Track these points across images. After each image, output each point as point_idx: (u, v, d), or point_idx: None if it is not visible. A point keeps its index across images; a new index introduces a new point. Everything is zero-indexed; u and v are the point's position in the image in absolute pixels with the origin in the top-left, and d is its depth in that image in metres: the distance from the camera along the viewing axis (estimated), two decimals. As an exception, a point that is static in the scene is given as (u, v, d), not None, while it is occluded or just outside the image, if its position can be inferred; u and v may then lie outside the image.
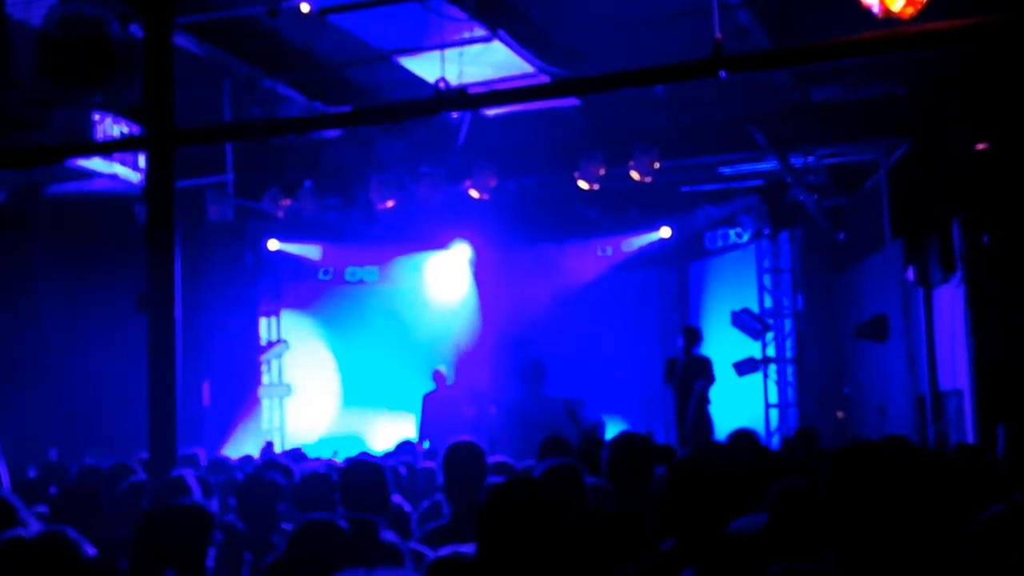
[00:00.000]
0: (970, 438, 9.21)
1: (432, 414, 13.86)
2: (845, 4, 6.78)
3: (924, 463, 2.48)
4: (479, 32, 9.52)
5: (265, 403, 15.87)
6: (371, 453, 9.76)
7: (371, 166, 13.25)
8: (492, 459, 5.90)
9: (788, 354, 14.72)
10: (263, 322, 16.06)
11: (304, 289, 16.56)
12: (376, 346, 16.38)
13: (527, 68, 10.38)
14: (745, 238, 15.21)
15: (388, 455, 9.07)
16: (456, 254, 16.97)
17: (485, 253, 16.92)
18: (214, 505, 5.53)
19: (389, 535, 4.21)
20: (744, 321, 14.45)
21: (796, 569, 2.79)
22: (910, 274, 10.78)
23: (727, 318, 14.64)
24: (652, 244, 16.32)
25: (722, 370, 13.12)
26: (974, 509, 3.35)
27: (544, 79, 10.48)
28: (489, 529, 2.93)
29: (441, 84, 8.22)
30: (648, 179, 12.20)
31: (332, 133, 12.69)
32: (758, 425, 13.76)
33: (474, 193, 12.82)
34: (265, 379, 15.92)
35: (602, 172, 12.21)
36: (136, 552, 3.87)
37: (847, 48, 6.77)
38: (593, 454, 6.05)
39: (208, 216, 12.85)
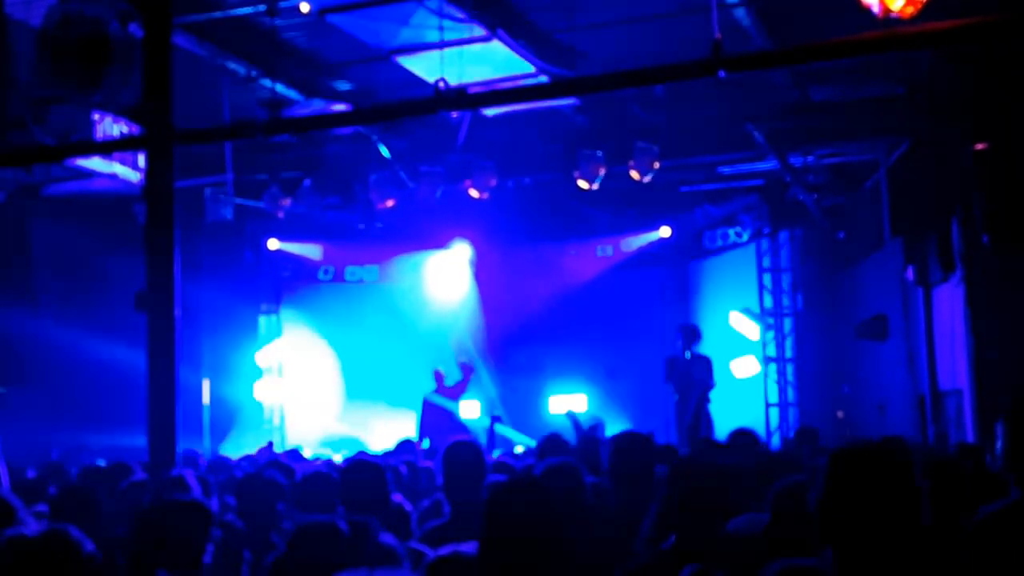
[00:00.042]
0: (970, 437, 9.21)
1: (432, 414, 13.87)
2: (844, 3, 6.78)
3: (924, 462, 2.48)
4: (478, 32, 9.52)
5: (265, 403, 15.87)
6: (369, 452, 9.77)
7: (371, 165, 13.26)
8: (491, 458, 5.91)
9: (788, 353, 14.73)
10: (263, 321, 16.06)
11: (304, 288, 16.57)
12: (376, 345, 16.38)
13: (527, 68, 10.38)
14: (745, 237, 15.21)
15: (388, 454, 9.06)
16: (456, 253, 16.97)
17: (485, 252, 16.92)
18: (214, 504, 5.54)
19: (387, 537, 4.21)
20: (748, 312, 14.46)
21: (794, 567, 2.79)
22: (910, 273, 10.78)
23: (727, 317, 14.64)
24: (652, 243, 16.33)
25: (722, 370, 13.14)
26: (973, 508, 3.35)
27: (544, 79, 10.48)
28: (491, 527, 2.93)
29: (441, 84, 8.20)
30: (648, 179, 12.21)
31: (332, 132, 12.69)
32: (758, 424, 13.76)
33: (474, 192, 12.82)
34: (265, 378, 15.92)
35: (602, 171, 12.22)
36: (134, 547, 3.87)
37: (847, 48, 6.77)
38: (592, 453, 6.05)
39: (208, 215, 12.86)
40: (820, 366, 14.28)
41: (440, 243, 16.74)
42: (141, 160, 9.81)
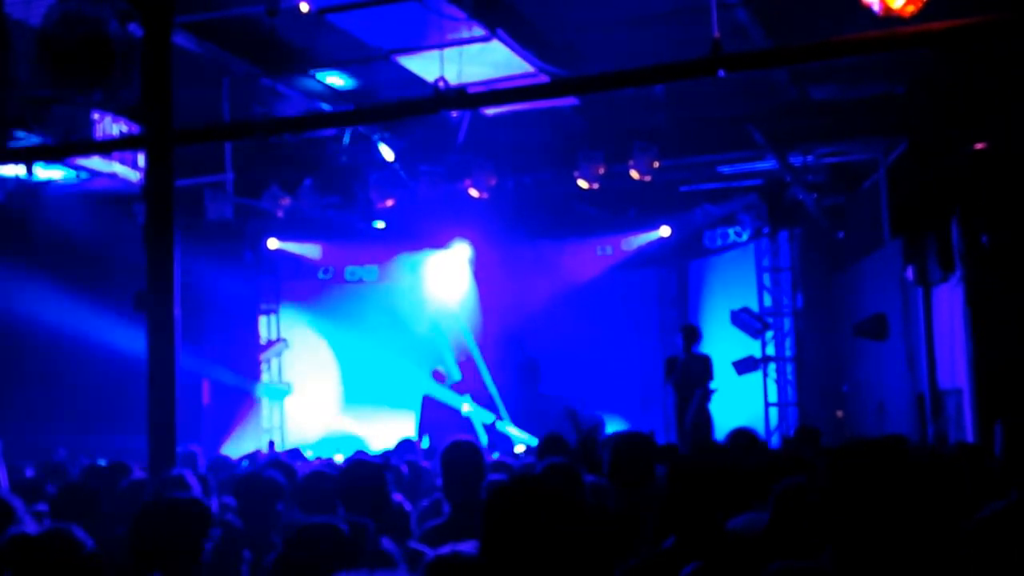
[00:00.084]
0: (969, 437, 9.21)
1: (431, 413, 13.88)
2: (844, 3, 6.78)
3: (923, 461, 2.49)
4: (478, 31, 9.52)
5: (265, 402, 15.87)
6: (368, 452, 9.77)
7: (371, 165, 13.26)
8: (490, 457, 5.91)
9: (788, 353, 14.74)
10: (263, 321, 16.07)
11: (304, 288, 16.57)
12: (376, 345, 16.39)
13: (526, 67, 10.38)
14: (744, 237, 15.21)
15: (388, 453, 9.06)
16: (455, 253, 16.98)
17: (484, 252, 16.92)
18: (213, 504, 5.53)
19: (385, 541, 4.21)
20: (744, 320, 14.47)
21: (795, 567, 2.79)
22: (909, 273, 10.78)
23: (727, 317, 14.65)
24: (652, 243, 16.33)
25: (722, 369, 13.14)
26: (973, 507, 3.35)
27: (543, 78, 10.48)
28: (491, 527, 2.93)
29: (440, 83, 8.21)
30: (647, 178, 12.21)
31: (331, 132, 12.69)
32: (758, 424, 13.77)
33: (474, 192, 12.82)
34: (265, 378, 15.92)
35: (601, 171, 12.22)
36: (132, 545, 3.87)
37: (846, 47, 6.76)
38: (590, 453, 6.06)
39: (207, 215, 12.85)
40: (820, 365, 14.29)
41: (440, 243, 16.75)
42: (141, 159, 9.81)
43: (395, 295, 17.00)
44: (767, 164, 13.21)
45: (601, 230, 16.44)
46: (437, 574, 2.98)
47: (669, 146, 12.15)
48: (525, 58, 10.15)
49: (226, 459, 9.21)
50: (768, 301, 14.91)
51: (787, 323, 14.76)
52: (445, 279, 17.20)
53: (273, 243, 15.86)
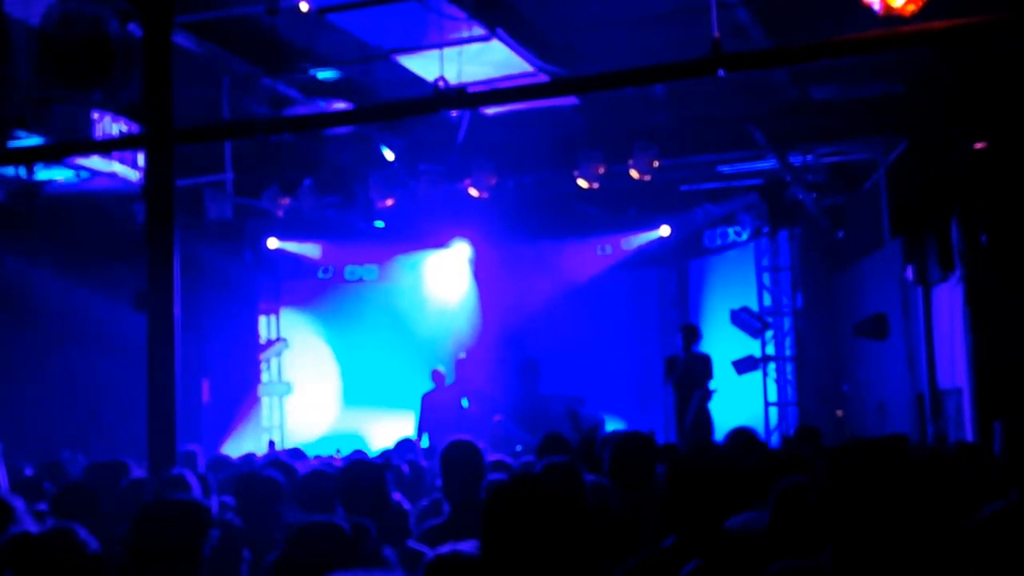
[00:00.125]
0: (969, 436, 9.22)
1: (431, 413, 13.88)
2: (843, 2, 6.78)
3: (923, 461, 2.49)
4: (478, 31, 9.52)
5: (265, 401, 15.88)
6: (367, 451, 9.78)
7: (371, 164, 13.26)
8: (490, 457, 5.91)
9: (787, 352, 14.74)
10: (262, 320, 16.07)
11: (304, 287, 16.58)
12: (376, 344, 16.39)
13: (526, 67, 10.38)
14: (744, 236, 15.22)
15: (388, 453, 9.06)
16: (456, 252, 16.98)
17: (485, 251, 16.93)
18: (213, 503, 5.54)
19: (385, 549, 4.21)
20: (743, 319, 14.47)
21: (795, 566, 2.79)
22: (909, 272, 10.79)
23: (727, 316, 14.65)
24: (652, 242, 16.33)
25: (722, 368, 13.15)
26: (973, 507, 3.36)
27: (543, 78, 10.48)
28: (491, 527, 2.94)
29: (440, 83, 8.20)
30: (647, 177, 12.21)
31: (331, 131, 12.68)
32: (758, 423, 13.77)
33: (473, 191, 12.82)
34: (265, 377, 15.93)
35: (601, 171, 12.22)
36: (131, 547, 3.87)
37: (846, 47, 6.76)
38: (589, 452, 6.06)
39: (207, 215, 12.84)
40: (820, 365, 14.29)
41: (440, 242, 16.76)
42: (140, 159, 9.82)
43: (395, 295, 17.00)
44: (767, 164, 13.21)
45: (601, 230, 16.44)
46: (437, 573, 2.99)
47: (669, 146, 12.15)
48: (525, 58, 10.15)
49: (225, 458, 9.21)
50: (768, 301, 14.91)
51: (787, 323, 14.77)
52: (445, 279, 17.21)
53: (273, 243, 15.86)
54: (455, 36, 9.56)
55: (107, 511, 5.14)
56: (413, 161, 13.19)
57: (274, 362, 16.12)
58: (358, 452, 9.28)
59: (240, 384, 15.40)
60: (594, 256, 16.74)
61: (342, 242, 16.41)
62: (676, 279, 16.92)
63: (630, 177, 12.24)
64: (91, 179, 10.84)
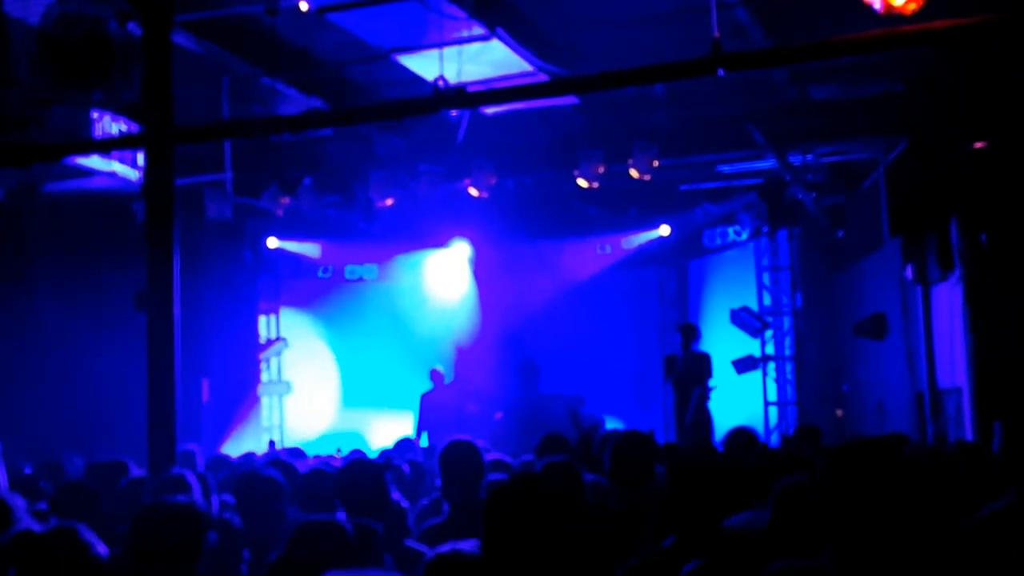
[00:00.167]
0: (969, 435, 9.22)
1: (430, 413, 13.88)
2: (843, 2, 6.78)
3: (923, 461, 2.49)
4: (478, 31, 9.52)
5: (264, 401, 15.88)
6: (367, 451, 9.77)
7: (370, 164, 13.26)
8: (489, 456, 5.91)
9: (787, 352, 14.75)
10: (262, 320, 16.06)
11: (303, 287, 16.57)
12: (375, 344, 16.39)
13: (526, 67, 10.39)
14: (744, 236, 15.22)
15: (387, 452, 9.06)
16: (455, 252, 16.98)
17: (484, 251, 16.92)
18: (214, 502, 5.54)
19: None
20: (743, 319, 14.48)
21: (795, 566, 2.79)
22: (908, 272, 10.79)
23: (726, 316, 14.66)
24: (651, 242, 16.34)
25: (722, 368, 13.15)
26: (972, 506, 3.36)
27: (543, 77, 10.48)
28: (492, 525, 2.94)
29: (440, 82, 8.21)
30: (647, 177, 12.21)
31: (331, 131, 12.69)
32: (757, 423, 13.78)
33: (473, 191, 12.82)
34: (264, 377, 15.93)
35: (601, 170, 12.22)
36: (129, 550, 3.87)
37: (846, 46, 6.76)
38: (587, 451, 6.06)
39: (207, 214, 12.83)
40: (819, 364, 14.30)
41: (440, 242, 16.75)
42: (140, 158, 9.81)
43: (395, 294, 17.00)
44: (767, 163, 13.21)
45: (601, 229, 16.45)
46: (437, 573, 2.99)
47: (669, 145, 12.15)
48: (525, 57, 10.15)
49: (225, 457, 9.21)
50: (768, 300, 14.91)
51: (787, 322, 14.77)
52: (445, 278, 17.20)
53: (273, 242, 15.86)
54: (455, 36, 9.56)
55: (107, 511, 5.14)
56: (413, 161, 13.19)
57: (274, 362, 16.11)
58: (358, 452, 9.27)
59: (240, 384, 15.38)
60: (594, 256, 16.74)
61: (342, 242, 16.41)
62: (676, 279, 16.92)
63: (630, 177, 12.24)
64: (91, 179, 10.84)
